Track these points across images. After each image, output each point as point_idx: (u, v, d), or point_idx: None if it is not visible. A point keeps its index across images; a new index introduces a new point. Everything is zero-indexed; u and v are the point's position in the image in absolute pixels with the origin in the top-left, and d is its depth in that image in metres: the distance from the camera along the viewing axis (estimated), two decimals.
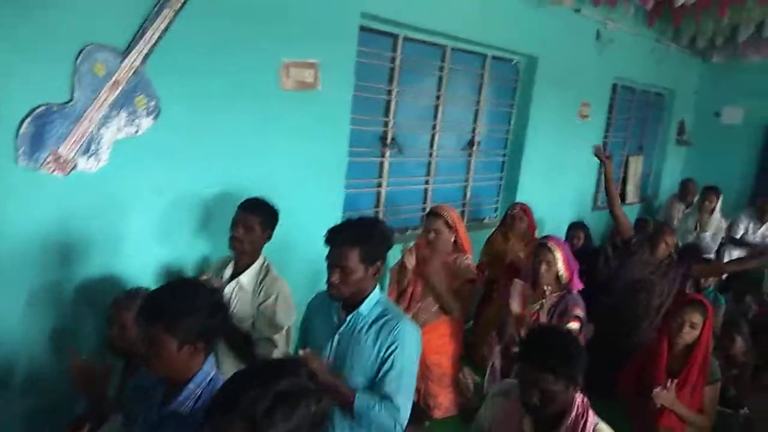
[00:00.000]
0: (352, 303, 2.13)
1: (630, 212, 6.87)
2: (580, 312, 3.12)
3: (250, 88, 2.99)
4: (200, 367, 1.68)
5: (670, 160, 7.95)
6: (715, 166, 7.73)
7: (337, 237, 2.06)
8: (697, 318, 2.89)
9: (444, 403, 3.53)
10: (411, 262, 3.35)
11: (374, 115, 3.96)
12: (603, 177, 4.17)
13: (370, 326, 2.11)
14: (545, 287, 3.19)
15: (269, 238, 2.71)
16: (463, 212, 4.98)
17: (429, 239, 3.46)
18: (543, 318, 3.14)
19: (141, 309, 1.65)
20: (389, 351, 2.06)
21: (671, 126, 7.78)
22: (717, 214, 6.10)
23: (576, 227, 5.22)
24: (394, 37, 3.92)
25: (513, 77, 5.05)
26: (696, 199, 6.49)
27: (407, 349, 2.08)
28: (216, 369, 1.75)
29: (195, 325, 1.63)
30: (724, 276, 5.66)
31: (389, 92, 3.99)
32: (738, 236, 6.40)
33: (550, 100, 5.22)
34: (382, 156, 4.09)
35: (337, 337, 2.16)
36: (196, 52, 2.76)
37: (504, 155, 5.23)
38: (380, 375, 2.06)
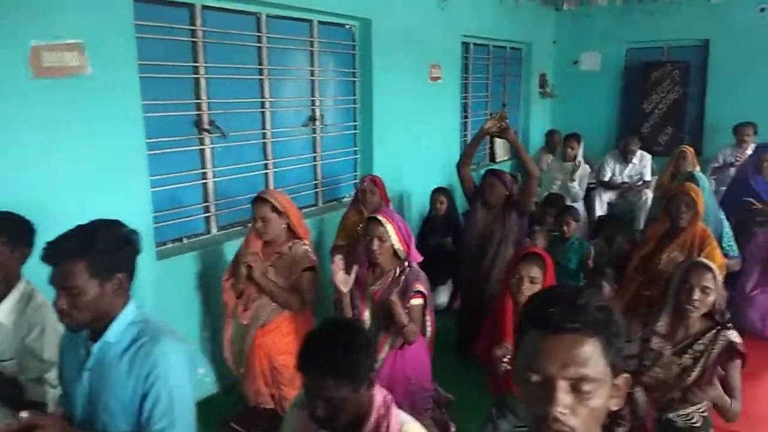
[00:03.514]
0: (99, 330, 1.72)
1: (503, 169, 6.82)
2: (421, 286, 2.85)
3: None
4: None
5: (536, 114, 7.97)
6: (580, 115, 7.85)
7: (53, 253, 1.62)
8: (535, 272, 2.68)
9: None
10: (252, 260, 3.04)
11: (182, 98, 3.51)
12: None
13: (123, 355, 1.71)
14: (382, 264, 2.91)
15: (25, 257, 2.23)
16: (317, 194, 4.63)
17: (258, 229, 3.12)
18: (392, 297, 2.84)
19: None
20: (149, 382, 1.68)
21: (532, 80, 7.78)
22: (580, 160, 6.10)
23: (438, 192, 5.02)
24: (190, 6, 3.46)
25: (349, 43, 4.72)
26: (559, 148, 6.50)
27: (171, 375, 1.70)
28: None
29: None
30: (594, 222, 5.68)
31: (196, 70, 3.54)
32: (606, 179, 6.48)
33: (395, 64, 4.95)
34: (202, 143, 3.64)
35: (86, 374, 1.75)
36: None
37: (355, 128, 4.91)
38: (145, 414, 1.68)
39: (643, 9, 7.54)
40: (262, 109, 4.03)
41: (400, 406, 2.95)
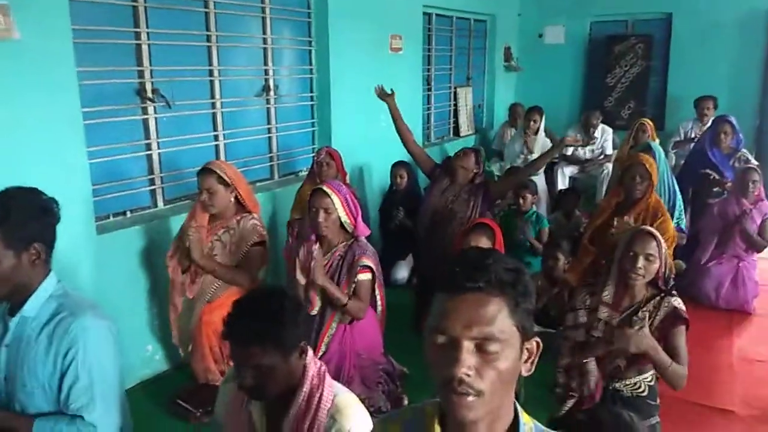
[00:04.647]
0: (17, 304, 1.65)
1: (466, 144, 6.77)
2: (369, 261, 2.79)
3: None
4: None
5: (501, 88, 7.90)
6: (545, 88, 7.81)
7: None
8: (483, 242, 2.65)
9: None
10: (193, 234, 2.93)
11: (122, 65, 3.34)
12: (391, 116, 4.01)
13: (41, 330, 1.64)
14: (329, 237, 2.83)
15: None
16: (272, 167, 4.50)
17: (203, 201, 3.02)
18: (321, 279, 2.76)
19: None
20: (68, 359, 1.62)
21: (497, 53, 7.69)
22: (541, 133, 6.07)
23: (398, 166, 4.94)
24: None
25: (304, 10, 4.56)
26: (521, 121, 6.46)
27: (91, 351, 1.64)
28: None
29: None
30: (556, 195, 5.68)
31: (137, 36, 3.37)
32: (569, 153, 6.47)
33: (353, 34, 4.81)
34: (145, 112, 3.48)
35: (3, 350, 1.67)
36: None
37: (312, 99, 4.77)
38: (64, 391, 1.62)
39: None
40: (210, 78, 3.87)
41: (351, 380, 2.95)
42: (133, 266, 3.37)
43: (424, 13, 6.01)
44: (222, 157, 4.00)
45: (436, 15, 6.36)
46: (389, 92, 4.04)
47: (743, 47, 6.97)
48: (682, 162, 5.57)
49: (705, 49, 7.08)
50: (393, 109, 3.98)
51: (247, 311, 1.56)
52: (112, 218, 3.41)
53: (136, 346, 3.41)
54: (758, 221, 4.27)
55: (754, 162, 4.76)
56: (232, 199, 3.08)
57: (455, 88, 6.95)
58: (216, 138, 3.97)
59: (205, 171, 3.01)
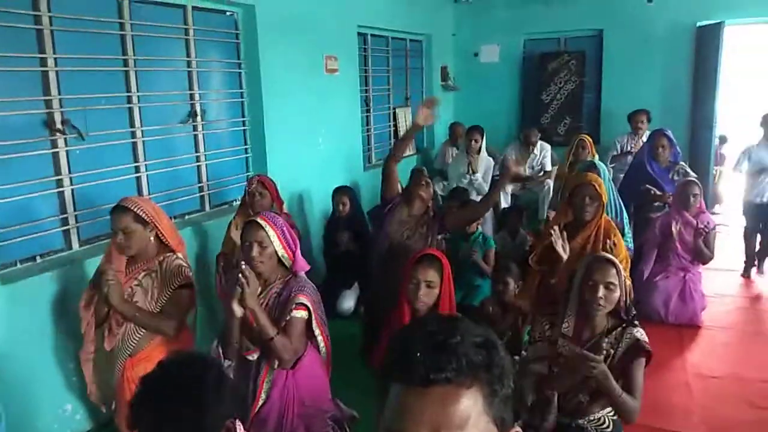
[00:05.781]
0: None
1: (408, 164, 6.63)
2: (305, 299, 2.53)
3: None
4: None
5: (440, 107, 7.81)
6: (483, 106, 7.83)
7: None
8: (432, 275, 2.46)
9: None
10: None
11: (27, 95, 3.00)
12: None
13: None
14: (264, 273, 2.57)
15: None
16: (203, 198, 4.20)
17: (119, 243, 2.70)
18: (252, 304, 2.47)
19: None
20: None
21: (434, 72, 7.63)
22: (483, 152, 6.01)
23: (339, 193, 4.72)
24: None
25: (232, 32, 4.31)
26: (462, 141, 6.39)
27: None
28: None
29: None
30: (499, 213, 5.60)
31: (44, 62, 3.04)
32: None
33: (285, 55, 4.59)
34: (55, 145, 3.14)
35: None
36: None
37: (244, 124, 4.51)
38: None
39: (540, 0, 7.59)
40: (129, 105, 3.55)
41: None
42: (45, 317, 3.00)
43: (359, 34, 5.86)
44: (145, 189, 3.68)
45: (372, 35, 6.23)
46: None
47: (673, 61, 7.17)
48: (621, 176, 5.60)
49: (636, 63, 7.24)
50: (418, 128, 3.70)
51: (157, 392, 1.29)
52: (19, 265, 3.03)
53: (52, 405, 3.05)
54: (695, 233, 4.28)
55: (693, 174, 4.79)
56: (152, 239, 2.76)
57: (394, 108, 6.83)
58: (137, 170, 3.64)
59: (119, 209, 2.67)
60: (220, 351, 2.63)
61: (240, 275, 2.31)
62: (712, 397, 3.36)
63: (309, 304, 2.51)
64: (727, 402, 3.30)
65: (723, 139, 7.97)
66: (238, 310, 2.40)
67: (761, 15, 6.82)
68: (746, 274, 5.32)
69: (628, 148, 6.10)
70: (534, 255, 3.39)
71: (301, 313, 2.49)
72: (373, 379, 2.74)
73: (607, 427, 2.37)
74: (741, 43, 9.28)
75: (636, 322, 2.30)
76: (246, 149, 4.55)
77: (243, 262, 2.42)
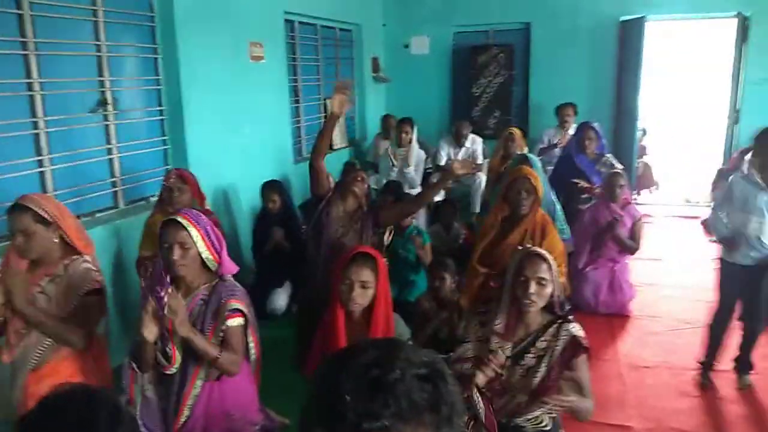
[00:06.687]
0: None
1: (340, 157, 6.47)
2: (239, 304, 2.33)
3: None
4: None
5: (372, 99, 7.71)
6: (414, 99, 7.76)
7: None
8: (366, 275, 2.31)
9: None
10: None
11: None
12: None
13: None
14: (187, 278, 2.34)
15: None
16: (116, 193, 3.88)
17: (18, 245, 2.40)
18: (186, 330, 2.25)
19: None
20: None
21: (365, 63, 7.48)
22: (414, 144, 5.93)
23: (269, 189, 4.50)
24: None
25: (146, 14, 3.99)
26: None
27: None
28: None
29: None
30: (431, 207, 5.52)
31: None
32: (443, 163, 6.38)
33: (206, 40, 4.31)
34: None
35: None
36: None
37: (161, 113, 4.20)
38: None
39: None
40: (29, 92, 3.21)
41: None
42: None
43: (286, 21, 5.63)
44: (49, 185, 3.34)
45: (300, 23, 6.00)
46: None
47: (598, 54, 7.33)
48: (550, 168, 5.65)
49: (563, 57, 7.35)
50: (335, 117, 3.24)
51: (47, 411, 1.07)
52: None
53: None
54: (629, 225, 4.36)
55: (619, 166, 4.88)
56: (56, 240, 2.48)
57: (325, 99, 6.62)
58: (40, 164, 3.30)
59: (17, 208, 2.38)
60: (134, 366, 2.40)
61: (165, 304, 2.10)
62: (646, 388, 3.40)
63: (244, 309, 2.32)
64: (660, 391, 3.35)
65: (644, 132, 8.26)
66: (150, 336, 2.19)
67: (681, 11, 7.08)
68: (704, 380, 3.40)
69: (555, 141, 6.18)
70: (474, 255, 3.31)
71: (237, 321, 2.30)
72: (305, 384, 2.59)
73: (546, 425, 2.31)
74: (663, 38, 9.68)
75: (570, 317, 2.24)
76: (164, 140, 4.25)
77: (169, 288, 2.18)
